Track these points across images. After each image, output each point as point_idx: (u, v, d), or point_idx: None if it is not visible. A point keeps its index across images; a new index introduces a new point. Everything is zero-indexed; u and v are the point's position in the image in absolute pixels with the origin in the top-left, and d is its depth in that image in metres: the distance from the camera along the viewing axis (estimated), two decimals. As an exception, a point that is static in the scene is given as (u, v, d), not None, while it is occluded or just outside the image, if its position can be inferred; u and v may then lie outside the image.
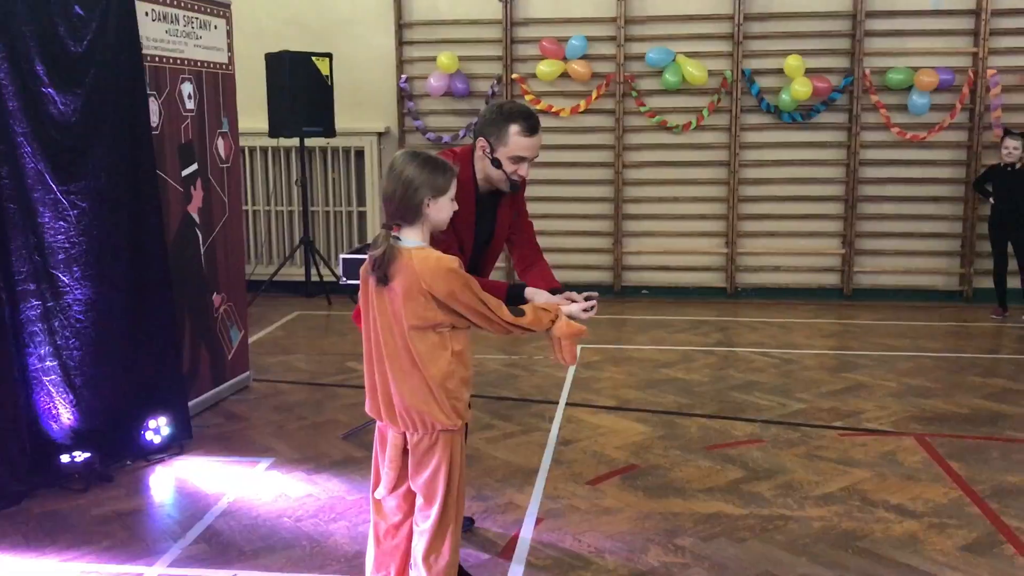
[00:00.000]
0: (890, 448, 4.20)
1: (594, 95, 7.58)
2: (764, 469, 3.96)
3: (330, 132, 7.30)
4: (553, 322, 2.59)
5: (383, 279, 2.43)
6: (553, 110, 7.66)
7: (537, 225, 8.34)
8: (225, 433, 4.48)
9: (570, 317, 2.67)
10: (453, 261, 2.42)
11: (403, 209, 2.43)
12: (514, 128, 2.83)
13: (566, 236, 7.82)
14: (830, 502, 3.63)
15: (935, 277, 7.59)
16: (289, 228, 8.07)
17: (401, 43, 7.81)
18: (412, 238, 2.46)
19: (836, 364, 5.68)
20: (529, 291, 2.86)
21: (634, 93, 7.58)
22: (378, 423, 2.57)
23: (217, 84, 4.86)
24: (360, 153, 7.94)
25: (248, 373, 5.23)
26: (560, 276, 8.00)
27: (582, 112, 7.67)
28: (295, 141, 7.53)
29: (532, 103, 7.66)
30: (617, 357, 5.85)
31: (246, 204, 8.07)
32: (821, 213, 7.63)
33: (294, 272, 7.82)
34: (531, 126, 2.84)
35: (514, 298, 2.83)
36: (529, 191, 8.26)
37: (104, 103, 3.88)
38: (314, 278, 7.59)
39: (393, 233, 2.47)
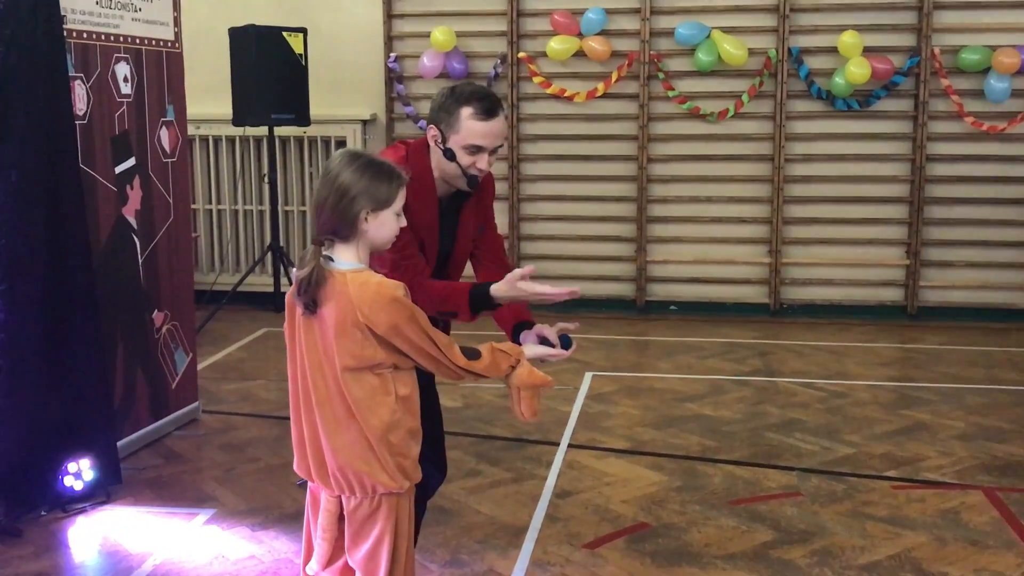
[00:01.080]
0: (953, 505, 4.07)
1: (614, 77, 7.50)
2: (799, 530, 3.83)
3: (304, 120, 7.25)
4: (513, 368, 2.52)
5: (310, 306, 2.35)
6: (566, 95, 7.59)
7: (547, 228, 8.33)
8: (162, 478, 4.38)
9: (537, 362, 2.60)
10: (398, 288, 2.33)
11: (336, 222, 2.34)
12: (467, 111, 2.77)
13: (580, 242, 7.74)
14: (877, 573, 3.48)
15: (1015, 294, 7.44)
16: (258, 231, 8.05)
17: (389, 16, 7.75)
18: (347, 258, 2.38)
19: (894, 399, 5.56)
20: (497, 288, 2.70)
21: (661, 75, 7.48)
22: (309, 484, 2.47)
23: (161, 64, 4.78)
24: (341, 143, 7.88)
25: (196, 404, 5.17)
26: (573, 287, 8.12)
27: (600, 97, 7.58)
28: (264, 130, 7.48)
29: (542, 86, 7.59)
30: (634, 388, 5.77)
31: (208, 203, 8.06)
32: (881, 217, 7.49)
33: (262, 282, 7.77)
34: (487, 107, 2.77)
35: (479, 301, 2.72)
36: (538, 189, 8.33)
37: (17, 88, 3.79)
38: (285, 288, 7.52)
39: (324, 251, 2.38)
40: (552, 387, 2.60)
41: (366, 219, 2.35)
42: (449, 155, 2.81)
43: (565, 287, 2.67)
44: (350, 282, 2.33)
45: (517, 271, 2.70)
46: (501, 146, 2.85)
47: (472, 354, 2.47)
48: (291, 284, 2.40)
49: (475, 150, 2.80)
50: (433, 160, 2.87)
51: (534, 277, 2.72)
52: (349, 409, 2.36)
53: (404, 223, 2.44)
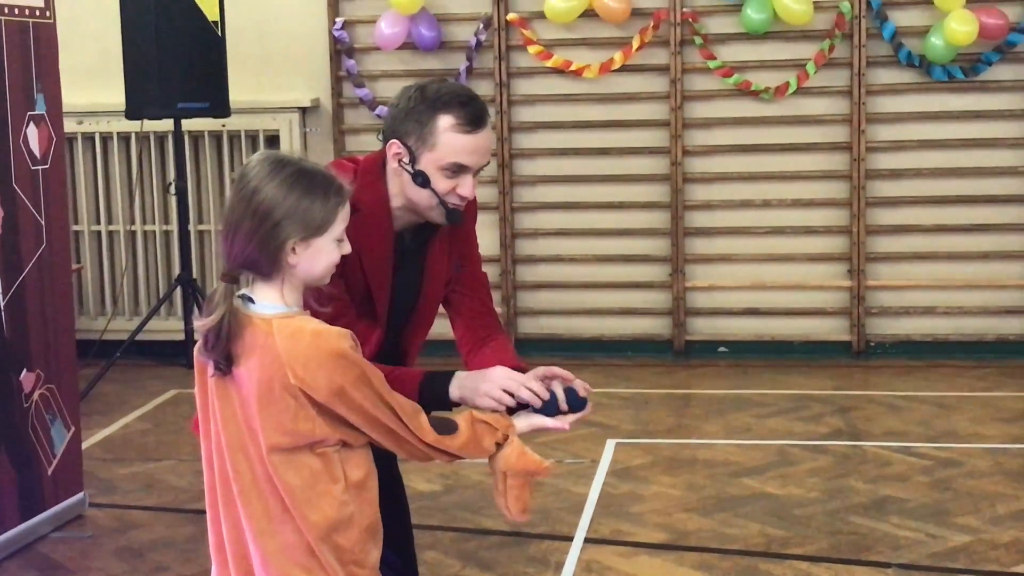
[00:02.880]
0: (1108, 610, 4.04)
1: (636, 44, 7.52)
2: (900, 650, 3.80)
3: (222, 109, 7.26)
4: (499, 445, 2.53)
5: (223, 364, 2.34)
6: (572, 69, 7.61)
7: (549, 247, 8.40)
8: (35, 596, 4.36)
9: (530, 432, 2.61)
10: (343, 337, 2.33)
11: (254, 253, 2.34)
12: (446, 121, 2.73)
13: (596, 264, 7.74)
14: None
15: None
16: (163, 259, 8.05)
17: (334, -31, 7.80)
18: (269, 299, 2.38)
19: (1023, 467, 5.52)
20: (460, 381, 2.70)
21: (698, 40, 7.50)
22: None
23: (25, 41, 4.76)
24: (273, 139, 7.91)
25: (81, 496, 5.13)
26: (588, 325, 8.21)
27: (617, 71, 7.60)
28: (168, 124, 7.48)
29: (540, 58, 7.61)
30: (673, 459, 5.74)
31: (95, 223, 8.05)
32: (995, 223, 7.51)
33: (169, 327, 7.76)
34: (473, 114, 2.75)
35: (433, 397, 2.69)
36: (537, 195, 8.37)
37: None
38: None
39: (241, 289, 2.38)
40: (547, 475, 2.60)
41: (294, 250, 2.35)
42: (421, 179, 2.76)
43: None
44: (277, 331, 2.32)
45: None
46: (488, 164, 2.85)
47: (445, 426, 2.46)
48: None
49: (457, 171, 2.77)
50: (392, 186, 2.84)
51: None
52: (282, 502, 2.35)
53: (349, 250, 2.42)
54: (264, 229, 2.32)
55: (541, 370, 2.75)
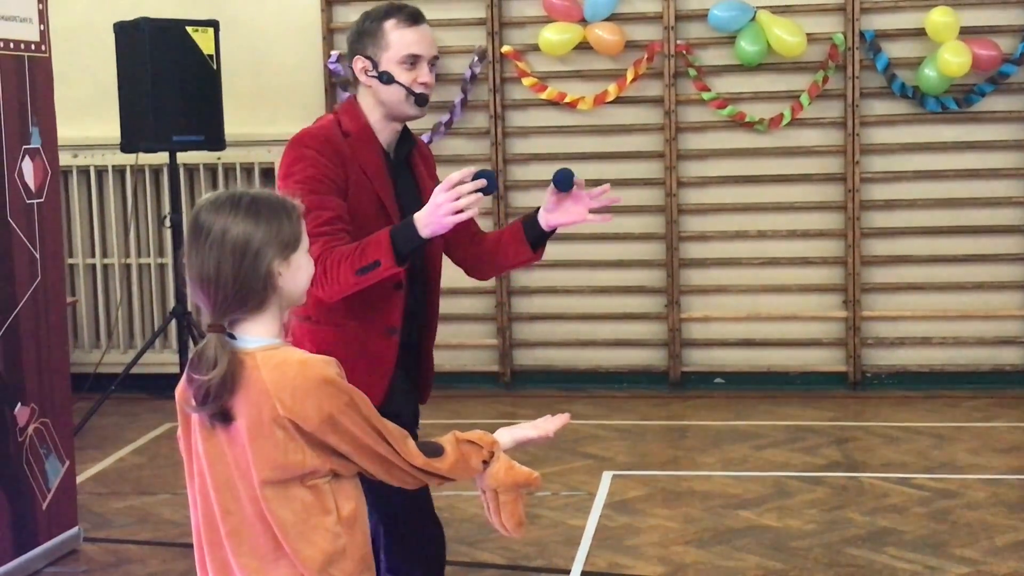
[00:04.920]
0: (1108, 642, 4.03)
1: (630, 76, 7.55)
2: None
3: (217, 142, 7.27)
4: (486, 463, 2.53)
5: (222, 416, 2.33)
6: (567, 101, 7.63)
7: (544, 278, 8.39)
8: (29, 632, 4.33)
9: (518, 445, 2.62)
10: (329, 365, 2.34)
11: (244, 292, 2.34)
12: (390, 23, 3.27)
13: (591, 295, 7.74)
14: None
15: None
16: (158, 292, 8.04)
17: (329, 2, 7.82)
18: (256, 333, 2.38)
19: (1021, 498, 5.55)
20: (418, 215, 3.04)
21: (692, 72, 7.53)
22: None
23: (20, 75, 4.78)
24: (268, 172, 7.90)
25: (76, 530, 5.13)
26: (584, 356, 8.19)
27: (612, 103, 7.62)
28: (164, 157, 7.48)
29: (535, 90, 7.65)
30: (670, 491, 5.73)
31: (90, 256, 8.05)
32: (991, 253, 7.52)
33: (164, 360, 7.73)
34: (411, 13, 3.29)
35: (404, 236, 3.04)
36: None
37: None
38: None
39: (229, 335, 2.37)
40: (538, 486, 2.60)
41: (280, 272, 2.37)
42: (387, 78, 3.25)
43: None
44: (262, 364, 2.32)
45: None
46: (438, 58, 3.35)
47: (432, 449, 2.47)
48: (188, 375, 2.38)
49: (413, 61, 3.27)
50: (366, 107, 3.31)
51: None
52: (274, 540, 2.34)
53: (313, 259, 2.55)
54: (247, 263, 2.33)
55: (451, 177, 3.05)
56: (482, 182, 2.97)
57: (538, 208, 3.37)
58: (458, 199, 2.93)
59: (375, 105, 3.30)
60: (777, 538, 5.08)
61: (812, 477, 5.88)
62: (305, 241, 2.43)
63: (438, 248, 3.43)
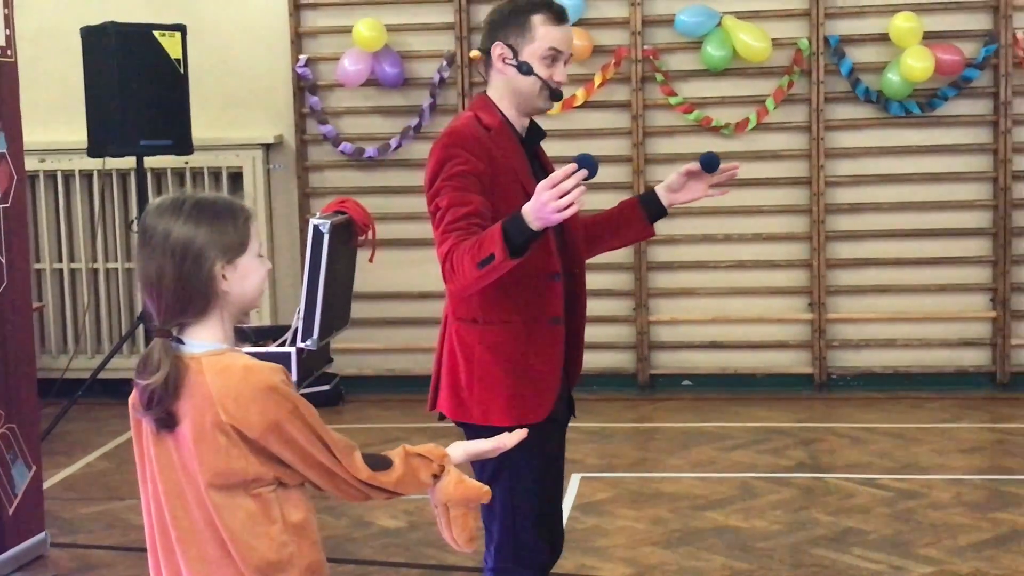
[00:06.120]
0: (1068, 640, 4.07)
1: (597, 81, 7.58)
2: None
3: (185, 147, 7.25)
4: (436, 477, 2.50)
5: (166, 421, 2.33)
6: (534, 105, 7.63)
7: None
8: (-4, 638, 4.32)
9: (476, 458, 2.63)
10: (275, 372, 2.33)
11: (187, 295, 2.34)
12: (538, 18, 3.32)
13: (560, 300, 7.72)
14: None
15: None
16: (125, 297, 8.02)
17: (297, 6, 7.81)
18: (202, 339, 2.37)
19: (984, 498, 5.57)
20: (525, 209, 3.01)
21: (659, 77, 7.56)
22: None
23: (-12, 79, 4.78)
24: (236, 176, 7.92)
25: (43, 536, 5.10)
26: None
27: (580, 107, 7.65)
28: (131, 162, 7.46)
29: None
30: (637, 493, 5.75)
31: (57, 261, 8.03)
32: (957, 256, 7.58)
33: (132, 365, 7.53)
34: (560, 11, 3.36)
35: (515, 227, 3.00)
36: None
37: None
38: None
39: (174, 339, 2.36)
40: (488, 499, 2.60)
41: (224, 276, 2.35)
42: (526, 69, 3.30)
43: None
44: (207, 369, 2.32)
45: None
46: (571, 56, 3.42)
47: (379, 463, 2.44)
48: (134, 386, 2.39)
49: (554, 57, 3.32)
50: (499, 101, 3.37)
51: None
52: (222, 546, 2.34)
53: (269, 265, 2.50)
54: (188, 265, 2.33)
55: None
56: (583, 172, 2.95)
57: (650, 188, 3.57)
58: (562, 196, 2.93)
59: (507, 97, 3.36)
60: (743, 539, 5.10)
61: (778, 478, 5.90)
62: (255, 246, 2.41)
63: (577, 234, 3.49)
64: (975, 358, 7.64)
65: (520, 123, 3.41)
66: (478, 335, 3.31)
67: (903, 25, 7.26)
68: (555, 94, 3.36)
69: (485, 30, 3.41)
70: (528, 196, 3.03)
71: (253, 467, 2.33)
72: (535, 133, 3.48)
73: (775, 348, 7.76)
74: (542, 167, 3.46)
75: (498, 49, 3.33)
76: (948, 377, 7.61)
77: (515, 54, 3.31)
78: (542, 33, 3.30)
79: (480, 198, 3.19)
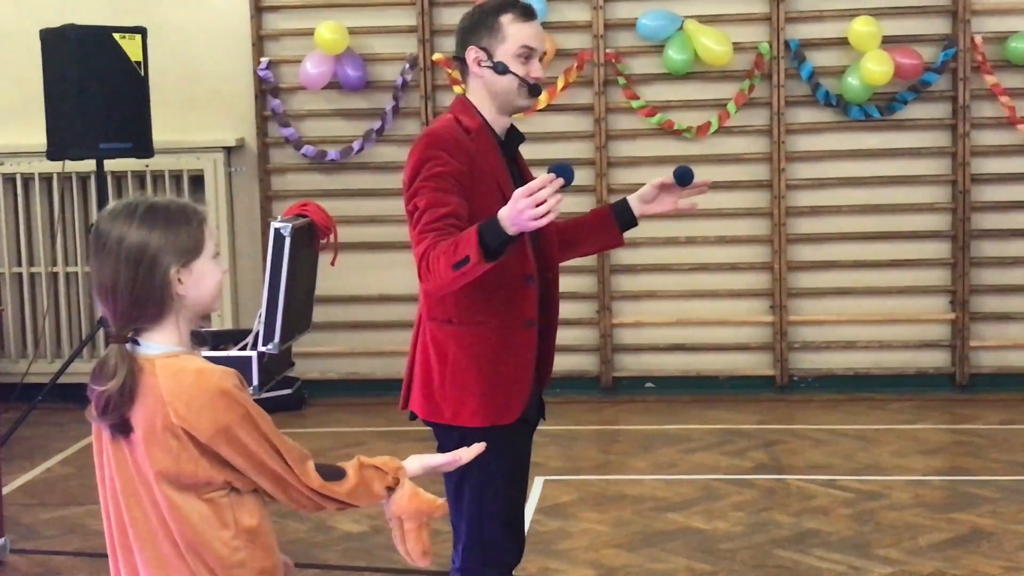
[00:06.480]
0: (1026, 638, 4.11)
1: (560, 84, 7.59)
2: None
3: (145, 150, 7.20)
4: (391, 490, 2.51)
5: (121, 427, 2.33)
6: (497, 108, 7.63)
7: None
8: (-46, 646, 4.28)
9: (433, 472, 2.61)
10: (227, 376, 2.33)
11: (142, 300, 2.34)
12: (507, 17, 3.37)
13: (523, 303, 7.72)
14: None
15: (1095, 353, 7.61)
16: (85, 301, 7.98)
17: (259, 8, 7.79)
18: (158, 341, 2.38)
19: (944, 498, 5.60)
20: (501, 214, 2.99)
21: (621, 81, 7.59)
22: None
23: (-55, 81, 4.72)
24: (198, 179, 7.88)
25: (3, 541, 5.07)
26: None
27: (542, 111, 7.64)
28: (91, 165, 7.41)
29: (465, 97, 7.63)
30: (600, 496, 5.75)
31: (15, 265, 7.99)
32: (917, 258, 7.64)
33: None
34: (526, 10, 3.39)
35: (490, 231, 3.00)
36: None
37: None
38: (125, 379, 7.44)
39: (130, 340, 2.36)
40: (443, 513, 2.60)
41: (180, 279, 2.36)
42: (501, 68, 3.35)
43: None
44: (160, 371, 2.32)
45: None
46: (545, 53, 3.38)
47: (332, 473, 2.44)
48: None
49: (528, 54, 3.36)
50: (479, 103, 3.40)
51: None
52: (176, 546, 2.35)
53: (225, 267, 2.50)
54: (143, 270, 2.33)
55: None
56: (560, 181, 2.96)
57: (622, 198, 3.62)
58: (538, 205, 2.93)
59: (487, 99, 3.39)
60: (705, 540, 5.11)
61: (740, 480, 5.93)
62: (210, 249, 2.41)
63: (552, 238, 3.52)
64: (935, 360, 7.70)
65: (500, 125, 3.43)
66: (452, 336, 3.32)
67: (862, 29, 7.31)
68: (534, 90, 3.39)
69: (457, 37, 3.44)
70: (505, 199, 3.04)
71: (203, 471, 2.33)
72: (514, 136, 3.51)
73: (737, 350, 7.79)
74: (520, 170, 3.50)
75: (472, 53, 3.37)
76: (908, 379, 7.66)
77: (489, 56, 3.35)
78: (512, 32, 3.34)
79: (458, 200, 3.20)
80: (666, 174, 3.55)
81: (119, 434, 2.35)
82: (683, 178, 3.53)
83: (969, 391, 7.56)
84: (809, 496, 5.65)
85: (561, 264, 3.67)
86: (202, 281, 2.39)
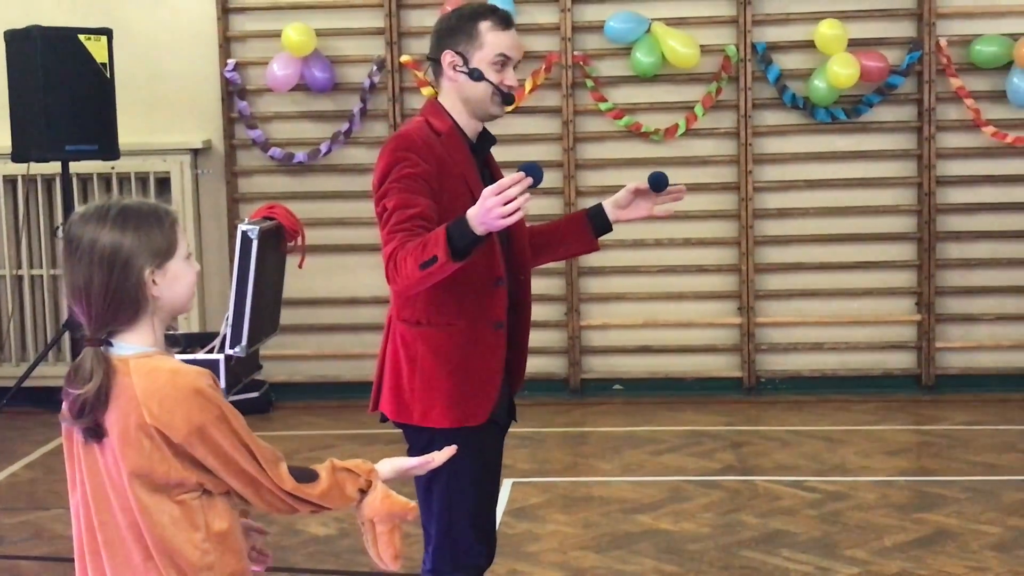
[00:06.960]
0: (990, 637, 4.14)
1: (528, 86, 7.60)
2: None
3: (111, 151, 7.19)
4: (364, 492, 2.51)
5: (95, 431, 2.32)
6: (465, 110, 7.64)
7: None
8: (-82, 652, 4.25)
9: (405, 475, 2.61)
10: (201, 376, 2.33)
11: (116, 303, 2.34)
12: (486, 24, 3.37)
13: (491, 305, 7.73)
14: None
15: (1058, 354, 7.67)
16: (50, 304, 7.95)
17: (225, 10, 7.78)
18: (132, 342, 2.38)
19: (909, 499, 5.64)
20: (469, 213, 3.02)
21: (589, 83, 7.61)
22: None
23: (-92, 83, 4.70)
24: (164, 181, 7.86)
25: (-34, 546, 5.06)
26: None
27: (511, 113, 7.58)
28: (56, 167, 7.38)
29: (433, 100, 7.63)
30: (569, 498, 5.77)
31: (-20, 268, 7.92)
32: (883, 260, 7.69)
33: (57, 373, 7.57)
34: (505, 17, 3.40)
35: (458, 231, 3.01)
36: None
37: None
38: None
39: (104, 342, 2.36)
40: (415, 516, 2.61)
41: (154, 281, 2.36)
42: (477, 75, 3.34)
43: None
44: (134, 371, 2.32)
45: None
46: (520, 61, 3.46)
47: (305, 475, 2.44)
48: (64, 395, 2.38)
49: (503, 63, 3.36)
50: (450, 107, 3.40)
51: None
52: (145, 549, 2.35)
53: (198, 267, 2.50)
54: (117, 273, 2.33)
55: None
56: (529, 180, 2.98)
57: (598, 204, 3.64)
58: (507, 203, 2.95)
59: (459, 103, 3.39)
60: (673, 542, 5.13)
61: (707, 481, 5.95)
62: (182, 249, 2.41)
63: (523, 241, 3.53)
64: (900, 361, 7.75)
65: (472, 128, 3.44)
66: (421, 337, 3.34)
67: (828, 32, 7.35)
68: (507, 98, 3.40)
69: (433, 39, 3.44)
70: (475, 201, 3.05)
71: (176, 471, 2.33)
72: (486, 139, 3.52)
73: (705, 352, 7.82)
74: (492, 173, 3.50)
75: (448, 57, 3.37)
76: (874, 380, 7.71)
77: (465, 61, 3.35)
78: (490, 39, 3.34)
79: (427, 201, 3.21)
80: (636, 177, 3.58)
81: (92, 438, 2.34)
82: (658, 184, 3.56)
83: (934, 392, 7.61)
84: (776, 497, 5.68)
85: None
86: (176, 282, 2.40)
